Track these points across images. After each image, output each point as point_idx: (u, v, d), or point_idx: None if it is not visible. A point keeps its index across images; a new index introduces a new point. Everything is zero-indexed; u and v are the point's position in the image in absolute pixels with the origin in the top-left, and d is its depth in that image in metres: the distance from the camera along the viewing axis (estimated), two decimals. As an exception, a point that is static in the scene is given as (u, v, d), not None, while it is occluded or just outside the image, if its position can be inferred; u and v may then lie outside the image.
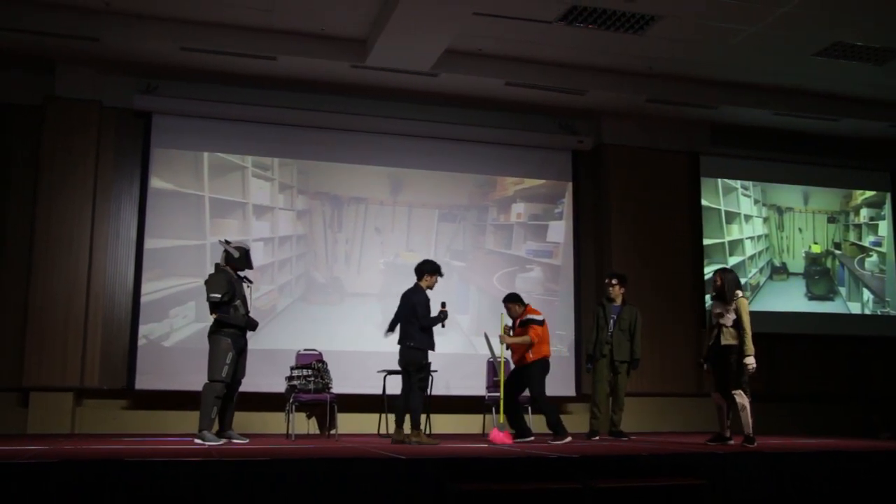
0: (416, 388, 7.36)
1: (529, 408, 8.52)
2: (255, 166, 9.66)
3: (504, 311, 8.05)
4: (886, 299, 11.56)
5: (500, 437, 7.54)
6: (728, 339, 7.30)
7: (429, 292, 7.56)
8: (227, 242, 7.47)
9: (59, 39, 8.58)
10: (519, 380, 7.96)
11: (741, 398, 7.17)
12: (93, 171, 9.10)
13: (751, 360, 7.16)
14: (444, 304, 7.51)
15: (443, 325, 7.49)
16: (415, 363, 7.35)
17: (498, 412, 8.02)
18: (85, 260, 8.97)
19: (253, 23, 8.74)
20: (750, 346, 7.18)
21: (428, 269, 7.58)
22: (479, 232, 10.31)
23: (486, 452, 6.21)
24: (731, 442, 7.32)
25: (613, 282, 8.63)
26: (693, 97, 10.26)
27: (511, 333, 7.90)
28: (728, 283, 7.38)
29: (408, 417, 7.41)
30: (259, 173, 9.66)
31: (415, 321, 7.37)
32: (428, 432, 8.54)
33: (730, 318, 7.31)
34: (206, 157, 9.50)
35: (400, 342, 7.48)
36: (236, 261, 7.34)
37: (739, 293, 7.37)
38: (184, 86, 9.48)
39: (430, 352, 7.46)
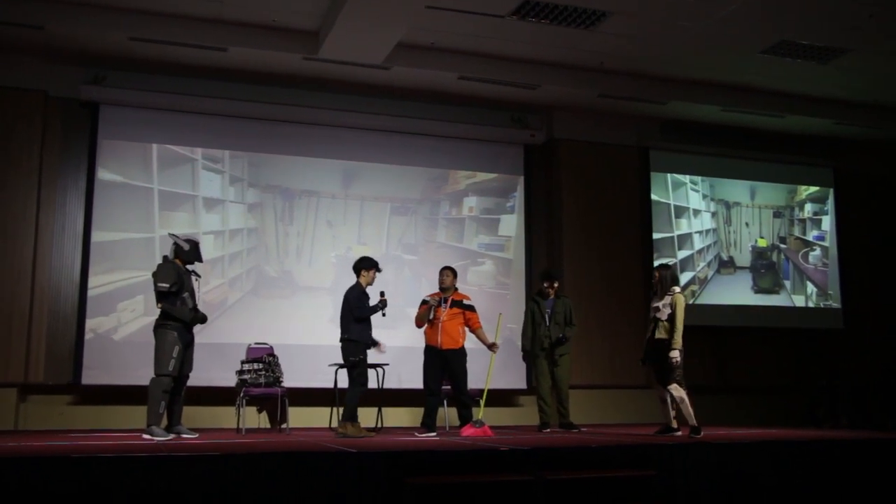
0: (353, 381, 7.39)
1: (445, 400, 8.44)
2: (206, 158, 9.54)
3: (445, 280, 8.01)
4: (829, 292, 11.82)
5: (477, 431, 7.52)
6: (662, 333, 7.40)
7: (370, 288, 7.62)
8: (176, 236, 7.37)
9: (1, 27, 8.37)
10: (445, 365, 7.89)
11: (677, 391, 7.27)
12: (38, 162, 8.90)
13: (675, 354, 7.25)
14: (382, 294, 7.59)
15: (383, 314, 7.55)
16: (353, 355, 7.38)
17: (450, 405, 8.00)
18: (30, 253, 8.78)
19: (204, 13, 8.62)
20: (678, 340, 7.28)
21: (364, 265, 7.68)
22: (430, 225, 10.31)
23: (439, 445, 6.23)
24: (679, 433, 7.42)
25: (555, 284, 8.72)
26: (643, 93, 10.36)
27: (443, 305, 7.92)
28: (664, 279, 7.53)
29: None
30: (209, 166, 9.55)
31: (350, 315, 7.43)
32: (379, 426, 8.54)
33: (665, 313, 7.41)
34: (155, 149, 9.36)
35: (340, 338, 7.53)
36: (186, 254, 7.25)
37: (676, 289, 7.49)
38: (132, 76, 9.27)
39: (369, 343, 7.52)
